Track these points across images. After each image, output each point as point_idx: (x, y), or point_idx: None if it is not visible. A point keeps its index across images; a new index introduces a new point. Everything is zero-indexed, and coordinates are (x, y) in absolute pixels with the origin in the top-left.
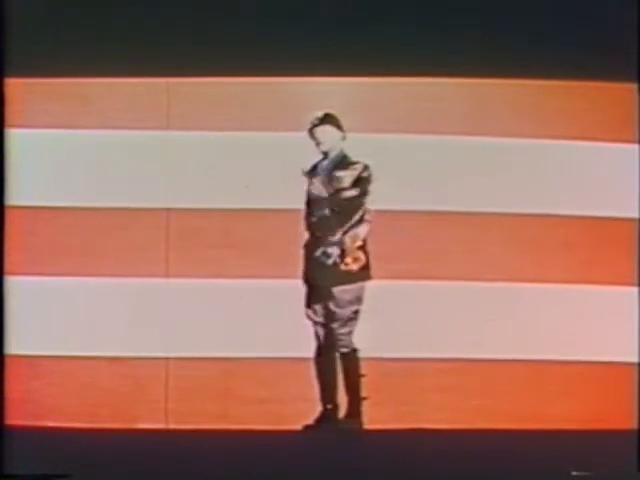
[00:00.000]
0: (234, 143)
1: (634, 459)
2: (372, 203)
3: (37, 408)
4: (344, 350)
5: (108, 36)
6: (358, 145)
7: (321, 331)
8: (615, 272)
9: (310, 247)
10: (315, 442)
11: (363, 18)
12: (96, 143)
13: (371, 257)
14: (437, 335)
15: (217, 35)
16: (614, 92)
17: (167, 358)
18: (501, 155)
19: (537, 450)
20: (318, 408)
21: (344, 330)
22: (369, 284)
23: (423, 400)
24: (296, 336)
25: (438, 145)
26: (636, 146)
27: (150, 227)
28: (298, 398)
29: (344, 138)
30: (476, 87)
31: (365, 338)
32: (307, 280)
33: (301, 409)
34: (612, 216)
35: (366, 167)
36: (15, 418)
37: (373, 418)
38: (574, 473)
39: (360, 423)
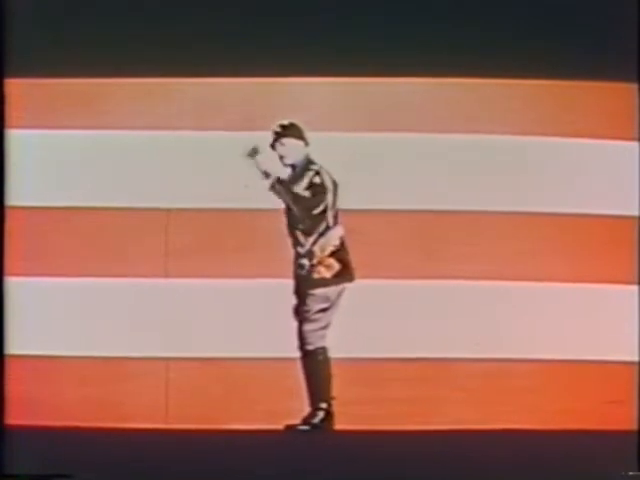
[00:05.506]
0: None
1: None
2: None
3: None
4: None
5: (108, 36)
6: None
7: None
8: (614, 271)
9: (293, 260)
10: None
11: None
12: (96, 143)
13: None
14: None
15: (219, 35)
16: (614, 91)
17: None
18: (500, 154)
19: (535, 450)
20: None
21: (308, 328)
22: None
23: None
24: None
25: (439, 144)
26: (636, 144)
27: (150, 227)
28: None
29: (307, 145)
30: (475, 87)
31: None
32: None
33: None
34: (612, 214)
35: (317, 172)
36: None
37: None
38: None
39: (314, 427)
